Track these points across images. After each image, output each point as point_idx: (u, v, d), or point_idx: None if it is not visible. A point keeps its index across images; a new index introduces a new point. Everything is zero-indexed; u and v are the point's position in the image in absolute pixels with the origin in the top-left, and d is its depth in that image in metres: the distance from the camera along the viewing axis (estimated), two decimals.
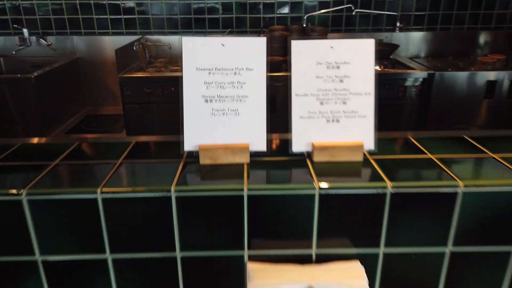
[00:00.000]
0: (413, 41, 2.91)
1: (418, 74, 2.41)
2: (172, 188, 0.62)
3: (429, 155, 0.71)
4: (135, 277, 0.67)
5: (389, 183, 0.62)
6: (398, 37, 2.87)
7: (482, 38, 2.89)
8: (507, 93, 2.43)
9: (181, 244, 0.65)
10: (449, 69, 2.48)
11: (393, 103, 2.43)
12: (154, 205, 0.62)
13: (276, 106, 1.66)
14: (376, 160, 0.69)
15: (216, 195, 0.62)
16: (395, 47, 2.72)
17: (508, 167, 0.66)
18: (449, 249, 0.65)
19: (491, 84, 2.43)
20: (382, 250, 0.66)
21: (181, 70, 0.68)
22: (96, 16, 2.83)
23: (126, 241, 0.65)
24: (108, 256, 0.65)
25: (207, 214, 0.63)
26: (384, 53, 2.70)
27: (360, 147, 0.69)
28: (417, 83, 2.43)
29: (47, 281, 0.67)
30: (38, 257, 0.65)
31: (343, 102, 0.69)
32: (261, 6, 2.85)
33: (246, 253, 0.66)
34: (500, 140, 0.77)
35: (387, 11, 2.84)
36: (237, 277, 0.67)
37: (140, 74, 2.38)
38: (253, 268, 0.64)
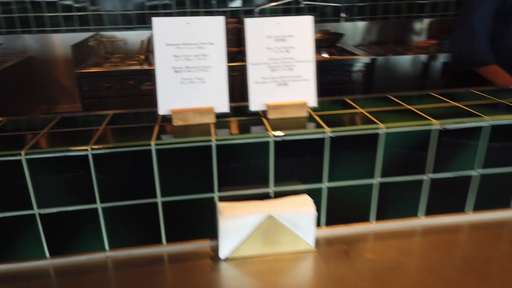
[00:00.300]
0: (356, 30, 3.15)
1: (362, 60, 2.64)
2: (152, 142, 0.74)
3: (360, 109, 0.88)
4: (122, 223, 0.79)
5: (328, 129, 0.78)
6: (343, 26, 3.09)
7: (418, 26, 3.18)
8: (439, 74, 2.72)
9: (162, 191, 0.78)
10: (389, 54, 2.73)
11: (341, 87, 2.64)
12: (138, 158, 0.75)
13: (234, 95, 1.80)
14: (318, 115, 0.85)
15: (190, 146, 0.75)
16: (340, 36, 2.94)
17: (419, 114, 0.84)
18: (377, 180, 0.83)
19: (426, 66, 2.70)
20: (325, 184, 0.82)
21: (150, 51, 0.80)
22: (48, 14, 2.83)
23: (114, 191, 0.76)
24: (99, 206, 0.77)
25: (183, 164, 0.76)
26: (331, 42, 2.91)
27: (304, 105, 0.85)
28: (362, 68, 2.66)
29: (44, 232, 0.77)
30: (36, 210, 0.75)
31: (290, 68, 0.85)
32: (214, 1, 2.97)
33: (216, 195, 0.80)
34: (416, 97, 0.96)
35: (332, 3, 3.06)
36: (210, 215, 0.80)
37: (98, 69, 2.43)
38: (222, 206, 0.78)
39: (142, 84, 2.43)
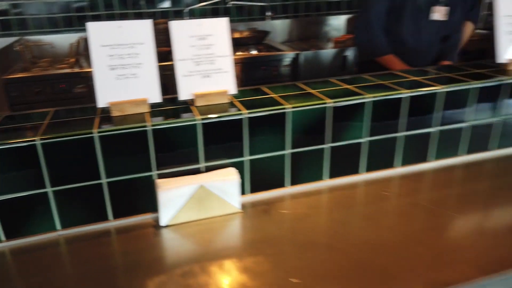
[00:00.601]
0: (282, 28, 3.38)
1: (288, 55, 2.86)
2: (95, 130, 0.86)
3: (272, 94, 1.06)
4: (71, 204, 0.90)
5: (245, 111, 0.95)
6: (269, 24, 3.31)
7: (336, 22, 3.48)
8: (354, 64, 3.03)
9: (106, 173, 0.90)
10: (312, 49, 2.99)
11: (270, 81, 2.85)
12: (82, 145, 0.86)
13: (168, 92, 1.92)
14: (238, 100, 1.02)
15: (128, 132, 0.88)
16: (267, 33, 3.15)
17: (318, 95, 1.04)
18: (288, 151, 1.01)
19: (344, 58, 3.00)
20: (247, 158, 0.99)
21: (86, 52, 0.91)
22: None
23: (62, 176, 0.87)
24: (49, 190, 0.87)
25: (123, 148, 0.89)
26: (258, 39, 3.11)
27: (226, 92, 1.01)
28: (288, 63, 2.88)
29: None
30: None
31: (211, 62, 1.00)
32: (143, 2, 3.04)
33: (155, 173, 0.93)
34: (317, 83, 1.16)
35: (258, 2, 3.26)
36: (150, 191, 0.94)
37: (25, 74, 2.40)
38: (160, 181, 0.92)
39: (74, 87, 2.44)
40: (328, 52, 2.99)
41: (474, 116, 1.14)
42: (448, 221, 0.92)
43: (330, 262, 0.80)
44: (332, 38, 3.34)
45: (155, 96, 0.97)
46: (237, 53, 2.82)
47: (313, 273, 0.76)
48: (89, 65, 2.50)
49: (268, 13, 3.28)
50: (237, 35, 3.12)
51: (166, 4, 3.10)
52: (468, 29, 1.97)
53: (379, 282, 0.73)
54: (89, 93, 2.42)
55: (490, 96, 1.14)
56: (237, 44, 3.01)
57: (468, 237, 0.86)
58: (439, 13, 1.81)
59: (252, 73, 2.79)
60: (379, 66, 1.84)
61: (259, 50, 2.96)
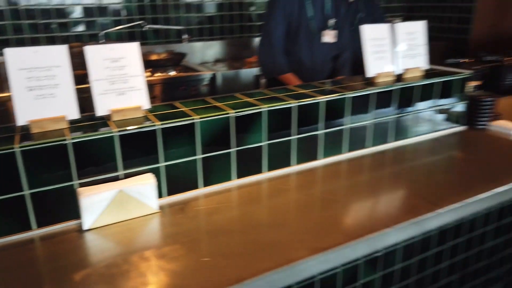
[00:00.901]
0: (199, 50, 3.57)
1: (205, 75, 3.04)
2: (16, 145, 0.94)
3: (183, 108, 1.21)
4: None
5: (158, 122, 1.09)
6: (187, 46, 3.47)
7: (248, 44, 3.76)
8: (266, 83, 3.30)
9: (29, 185, 0.97)
10: (228, 69, 3.21)
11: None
12: (4, 160, 0.93)
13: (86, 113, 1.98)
14: (152, 114, 1.15)
15: (49, 145, 0.97)
16: (184, 55, 3.31)
17: (222, 107, 1.21)
18: (199, 156, 1.17)
19: (257, 77, 3.25)
20: (162, 164, 1.12)
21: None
22: None
23: None
24: None
25: (45, 160, 0.97)
26: (176, 61, 3.25)
27: (140, 107, 1.14)
28: (206, 82, 3.06)
29: None
30: None
31: (125, 82, 1.13)
32: (54, 25, 3.03)
33: (76, 182, 1.02)
34: (223, 98, 1.33)
35: (174, 26, 3.41)
36: (72, 199, 1.03)
37: None
38: (81, 189, 1.01)
39: None
40: (242, 71, 3.23)
41: (351, 120, 1.40)
42: (334, 205, 1.13)
43: (235, 243, 0.96)
44: (245, 59, 3.60)
45: (73, 113, 1.07)
46: (156, 75, 2.94)
47: (221, 252, 0.92)
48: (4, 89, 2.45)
49: (185, 36, 3.44)
50: (155, 57, 3.23)
51: (80, 28, 3.12)
52: None
53: (274, 252, 0.91)
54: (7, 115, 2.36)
55: (363, 103, 1.41)
56: (155, 66, 3.13)
57: (346, 215, 1.08)
58: (329, 36, 2.13)
59: (172, 93, 2.92)
60: (282, 83, 2.09)
61: (177, 71, 3.10)
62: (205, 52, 3.61)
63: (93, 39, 3.15)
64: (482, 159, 1.43)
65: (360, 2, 2.14)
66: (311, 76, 2.06)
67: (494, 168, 1.34)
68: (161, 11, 3.35)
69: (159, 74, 2.97)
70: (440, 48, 4.18)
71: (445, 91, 1.58)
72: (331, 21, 2.11)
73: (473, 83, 1.70)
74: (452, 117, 1.65)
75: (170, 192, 1.16)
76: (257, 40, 3.74)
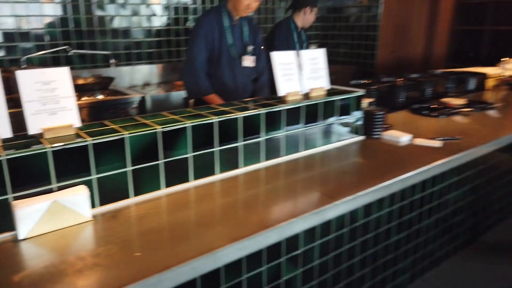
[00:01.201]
0: (127, 74, 3.64)
1: (134, 98, 3.13)
2: None
3: (113, 126, 1.33)
4: None
5: (89, 138, 1.20)
6: (114, 71, 3.53)
7: (176, 68, 3.91)
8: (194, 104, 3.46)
9: None
10: (158, 92, 3.32)
11: None
12: None
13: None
14: (83, 132, 1.26)
15: None
16: (111, 79, 3.37)
17: (150, 124, 1.35)
18: (129, 168, 1.29)
19: (186, 99, 3.40)
20: (94, 176, 1.22)
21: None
22: None
23: None
24: None
25: None
26: (104, 85, 3.30)
27: (71, 126, 1.24)
28: (135, 105, 3.14)
29: None
30: None
31: (56, 102, 1.23)
32: None
33: (10, 196, 1.09)
34: (153, 116, 1.47)
35: (101, 51, 3.46)
36: (7, 212, 1.09)
37: None
38: (16, 202, 1.08)
39: None
40: (171, 94, 3.37)
41: (266, 132, 1.61)
42: (254, 206, 1.31)
43: (164, 239, 1.09)
44: (174, 82, 3.74)
45: (6, 132, 1.15)
46: (83, 99, 2.96)
47: (151, 248, 1.05)
48: None
49: (112, 61, 3.50)
50: (81, 81, 3.26)
51: (0, 53, 3.06)
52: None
53: (199, 244, 1.06)
54: None
55: (276, 118, 1.63)
56: (82, 90, 3.15)
57: (263, 212, 1.27)
58: (248, 61, 2.37)
59: (100, 117, 2.95)
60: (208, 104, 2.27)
61: (105, 95, 3.15)
62: (133, 76, 3.70)
63: (14, 64, 3.10)
64: (375, 162, 1.72)
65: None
66: (234, 97, 2.27)
67: (383, 168, 1.63)
68: (86, 37, 3.40)
69: (86, 98, 3.00)
70: (351, 71, 4.68)
71: (345, 106, 1.87)
72: (250, 48, 2.36)
73: (368, 100, 2.03)
74: (352, 129, 1.94)
75: (103, 202, 1.26)
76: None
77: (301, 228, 1.23)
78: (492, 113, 2.51)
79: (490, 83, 3.20)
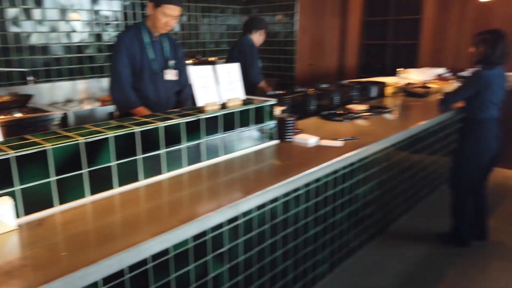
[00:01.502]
0: (47, 91, 3.56)
1: (55, 115, 3.08)
2: None
3: (35, 139, 1.39)
4: None
5: (11, 151, 1.25)
6: (33, 88, 3.43)
7: (101, 84, 3.89)
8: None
9: None
10: (79, 108, 3.29)
11: None
12: None
13: None
14: (4, 146, 1.30)
15: None
16: (29, 96, 3.28)
17: (72, 136, 1.42)
18: (53, 178, 1.35)
19: (111, 114, 3.41)
20: (17, 187, 1.27)
21: None
22: None
23: None
24: None
25: None
26: (21, 102, 3.21)
27: None
28: (57, 122, 3.10)
29: None
30: None
31: None
32: None
33: None
34: (76, 129, 1.54)
35: (17, 68, 3.36)
36: None
37: None
38: None
39: None
40: (96, 110, 3.36)
41: (187, 140, 1.75)
42: (178, 206, 1.44)
43: (90, 239, 1.18)
44: (99, 98, 3.73)
45: None
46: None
47: (77, 247, 1.14)
48: None
49: (30, 78, 3.41)
50: None
51: None
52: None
53: (124, 240, 1.16)
54: None
55: (195, 126, 1.78)
56: None
57: (186, 210, 1.40)
58: (170, 75, 2.50)
59: (18, 135, 2.87)
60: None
61: (24, 113, 3.07)
62: (54, 93, 3.62)
63: None
64: (287, 162, 1.94)
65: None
66: (157, 109, 2.37)
67: (292, 166, 1.85)
68: (1, 54, 3.28)
69: (2, 116, 2.91)
70: (272, 82, 5.00)
71: (259, 114, 2.08)
72: (171, 62, 2.49)
73: (281, 108, 2.26)
74: (267, 134, 2.16)
75: (28, 212, 1.31)
76: (108, 80, 3.91)
77: (218, 220, 1.38)
78: (388, 116, 2.90)
79: (389, 90, 3.65)
